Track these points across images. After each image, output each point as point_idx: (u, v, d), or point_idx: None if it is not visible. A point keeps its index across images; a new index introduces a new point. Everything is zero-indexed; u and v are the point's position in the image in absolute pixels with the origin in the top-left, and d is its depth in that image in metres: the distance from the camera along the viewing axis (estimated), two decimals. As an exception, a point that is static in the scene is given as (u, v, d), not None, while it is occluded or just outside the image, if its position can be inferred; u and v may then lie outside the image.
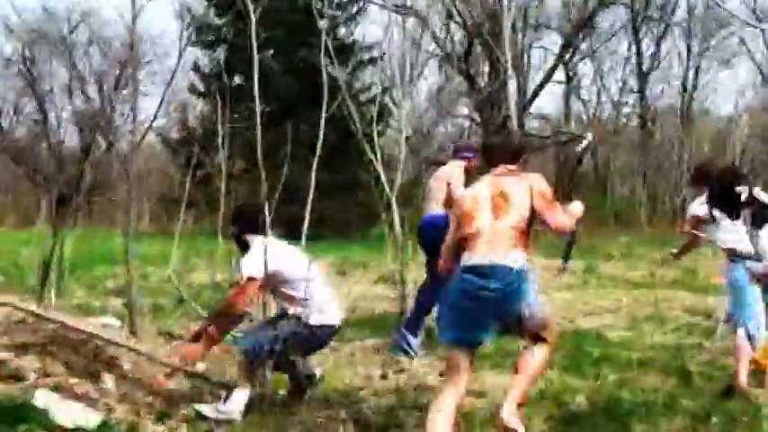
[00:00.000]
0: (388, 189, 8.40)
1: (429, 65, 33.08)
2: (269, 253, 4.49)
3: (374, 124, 8.99)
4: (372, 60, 24.80)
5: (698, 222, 5.71)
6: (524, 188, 3.99)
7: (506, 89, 6.82)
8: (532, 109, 31.27)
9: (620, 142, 32.00)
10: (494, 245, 3.88)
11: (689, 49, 33.54)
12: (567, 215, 4.04)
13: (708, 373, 5.92)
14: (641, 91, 32.94)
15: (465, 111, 33.30)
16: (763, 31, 31.30)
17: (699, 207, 5.62)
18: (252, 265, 4.58)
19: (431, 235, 6.50)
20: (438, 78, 34.10)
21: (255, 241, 4.73)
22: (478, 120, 30.21)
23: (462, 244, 4.01)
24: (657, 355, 6.67)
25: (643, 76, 32.99)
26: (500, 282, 3.82)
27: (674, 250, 6.44)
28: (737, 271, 5.41)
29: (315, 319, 4.67)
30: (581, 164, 4.72)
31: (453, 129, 34.60)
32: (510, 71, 6.69)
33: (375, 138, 8.67)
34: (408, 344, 6.71)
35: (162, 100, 19.32)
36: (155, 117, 15.94)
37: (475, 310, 3.90)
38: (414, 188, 18.75)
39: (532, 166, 27.24)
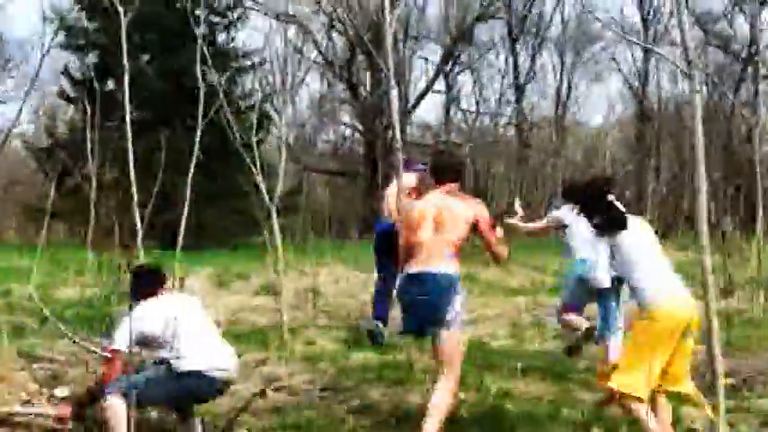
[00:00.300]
0: (267, 197, 8.19)
1: (311, 72, 32.96)
2: (137, 316, 4.45)
3: (253, 131, 8.76)
4: (253, 67, 24.34)
5: (557, 225, 6.67)
6: (467, 212, 4.64)
7: (389, 98, 6.71)
8: (414, 118, 31.68)
9: (499, 152, 32.74)
10: (430, 255, 4.57)
11: (562, 63, 34.80)
12: (502, 242, 4.81)
13: (588, 380, 5.95)
14: (518, 102, 33.84)
15: (347, 118, 33.31)
16: (630, 46, 32.78)
17: (563, 212, 6.47)
18: (117, 337, 4.50)
19: (383, 240, 7.36)
20: (320, 86, 34.00)
21: (135, 309, 4.62)
22: (361, 128, 30.31)
23: (408, 251, 4.70)
24: (539, 362, 6.70)
25: (520, 88, 33.90)
26: (432, 287, 4.53)
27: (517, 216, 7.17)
28: (575, 273, 6.17)
29: (183, 366, 4.48)
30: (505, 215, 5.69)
31: (335, 136, 34.51)
32: (392, 81, 6.59)
33: (254, 145, 8.47)
34: (379, 332, 7.37)
35: (22, 106, 18.19)
36: (14, 123, 14.99)
37: (416, 311, 4.66)
38: (295, 196, 18.52)
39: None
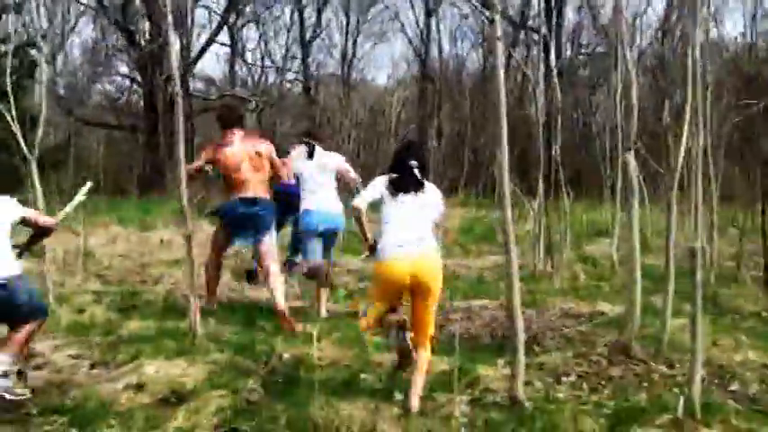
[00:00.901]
0: (26, 150, 7.27)
1: (83, 17, 30.47)
2: None
3: (7, 76, 7.75)
4: (15, 7, 21.95)
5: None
6: (267, 150, 6.64)
7: (168, 48, 6.17)
8: (196, 70, 30.31)
9: (285, 107, 32.22)
10: (255, 187, 6.53)
11: (347, 21, 34.73)
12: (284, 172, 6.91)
13: (385, 343, 5.67)
14: (304, 58, 33.43)
15: (125, 69, 31.16)
16: (413, 7, 33.31)
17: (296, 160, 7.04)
18: None
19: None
20: (94, 33, 31.44)
21: None
22: (139, 79, 28.52)
23: (233, 186, 6.53)
24: (334, 325, 6.37)
25: (306, 44, 33.46)
26: (259, 207, 6.51)
27: None
28: (304, 221, 6.90)
29: None
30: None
31: (112, 87, 32.19)
32: (171, 29, 5.98)
33: (9, 91, 7.52)
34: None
35: None
36: None
37: (244, 224, 6.55)
38: (65, 150, 16.96)
39: (197, 127, 26.42)
